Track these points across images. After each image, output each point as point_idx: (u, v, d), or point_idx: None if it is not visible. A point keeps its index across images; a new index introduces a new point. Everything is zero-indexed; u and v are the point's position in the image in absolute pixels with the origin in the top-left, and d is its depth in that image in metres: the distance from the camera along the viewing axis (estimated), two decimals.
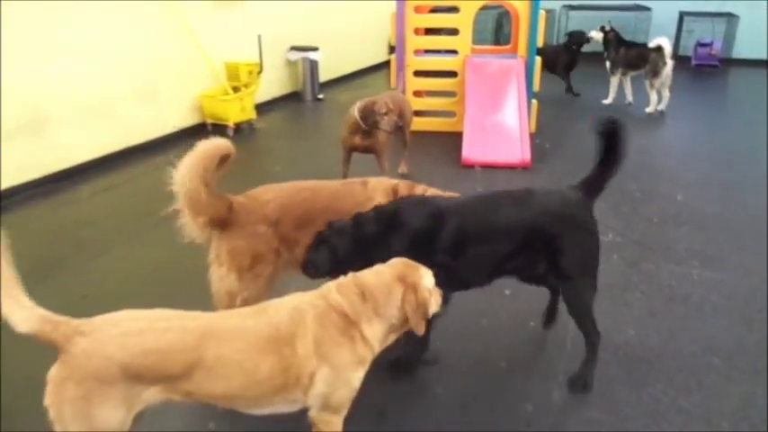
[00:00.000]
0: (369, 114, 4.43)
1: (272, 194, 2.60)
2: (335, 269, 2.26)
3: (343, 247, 2.36)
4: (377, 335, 1.87)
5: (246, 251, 2.48)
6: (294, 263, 2.60)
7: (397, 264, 1.96)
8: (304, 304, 1.85)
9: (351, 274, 1.96)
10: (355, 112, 4.50)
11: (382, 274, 1.91)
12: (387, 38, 10.44)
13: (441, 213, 2.41)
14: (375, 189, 2.69)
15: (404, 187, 2.76)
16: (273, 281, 2.58)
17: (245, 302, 2.50)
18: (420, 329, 1.89)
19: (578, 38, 8.35)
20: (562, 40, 11.26)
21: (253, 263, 2.49)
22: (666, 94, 7.43)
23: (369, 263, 2.05)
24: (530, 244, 2.43)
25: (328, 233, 2.40)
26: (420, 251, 2.24)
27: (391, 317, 1.87)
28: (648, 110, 7.46)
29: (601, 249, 2.51)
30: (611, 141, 2.40)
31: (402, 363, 2.59)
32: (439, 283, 2.06)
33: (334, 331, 1.81)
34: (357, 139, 4.59)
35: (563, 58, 8.37)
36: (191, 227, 2.43)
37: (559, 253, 2.42)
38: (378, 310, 1.86)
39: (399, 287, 1.88)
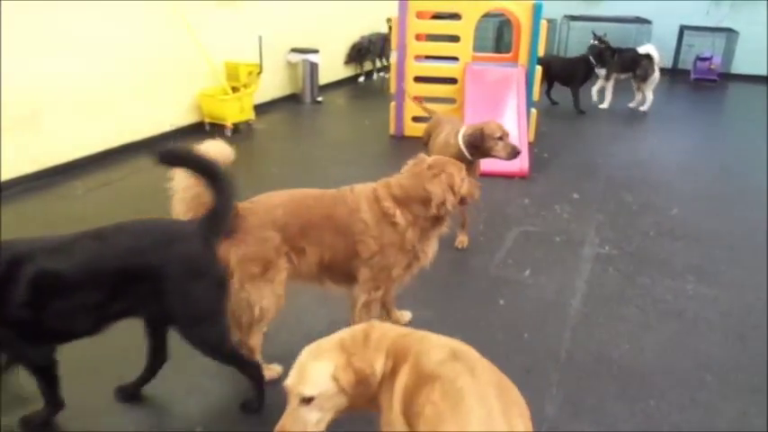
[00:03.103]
0: (479, 141, 3.83)
1: (278, 200, 2.54)
2: None
3: None
4: None
5: (257, 257, 2.39)
6: (300, 272, 2.55)
7: None
8: None
9: None
10: (460, 139, 3.89)
11: None
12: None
13: (16, 261, 2.03)
14: (359, 195, 2.62)
15: (382, 189, 2.63)
16: (285, 287, 2.51)
17: (264, 311, 2.46)
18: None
19: (602, 50, 8.11)
20: (566, 50, 11.35)
21: (264, 269, 2.41)
22: (650, 96, 7.98)
23: None
24: (127, 287, 2.10)
25: None
26: None
27: None
28: (631, 105, 8.04)
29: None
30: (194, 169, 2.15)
31: (33, 420, 2.35)
32: (21, 339, 2.04)
33: None
34: None
35: (581, 71, 8.19)
36: None
37: (164, 298, 2.11)
38: None
39: None
